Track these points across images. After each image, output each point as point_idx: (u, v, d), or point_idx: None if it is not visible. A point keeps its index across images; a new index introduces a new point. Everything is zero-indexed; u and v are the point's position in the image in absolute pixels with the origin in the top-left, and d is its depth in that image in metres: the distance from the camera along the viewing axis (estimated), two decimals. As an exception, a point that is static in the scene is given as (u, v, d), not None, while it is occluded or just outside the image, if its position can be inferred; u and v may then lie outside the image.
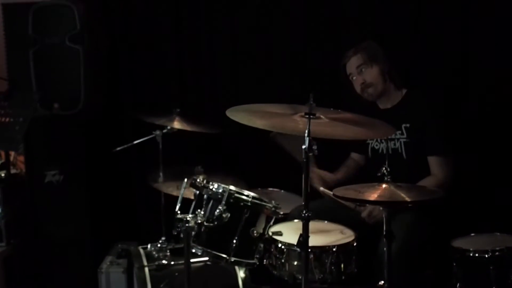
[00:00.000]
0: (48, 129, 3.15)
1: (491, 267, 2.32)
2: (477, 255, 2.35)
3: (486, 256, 2.33)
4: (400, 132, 2.74)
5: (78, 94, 3.08)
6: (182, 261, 2.27)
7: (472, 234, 2.53)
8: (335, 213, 2.59)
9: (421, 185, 2.56)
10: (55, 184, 3.15)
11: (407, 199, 2.17)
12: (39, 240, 3.18)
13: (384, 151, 2.78)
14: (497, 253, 2.32)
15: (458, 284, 2.40)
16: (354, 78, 2.81)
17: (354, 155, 3.05)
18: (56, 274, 3.17)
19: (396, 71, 2.81)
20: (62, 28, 3.03)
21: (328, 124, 2.14)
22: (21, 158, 3.32)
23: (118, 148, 2.99)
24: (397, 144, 2.75)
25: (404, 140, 2.74)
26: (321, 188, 2.69)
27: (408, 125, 2.73)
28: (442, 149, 2.69)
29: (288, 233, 2.38)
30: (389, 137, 2.72)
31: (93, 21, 3.17)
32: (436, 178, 2.67)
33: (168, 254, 2.69)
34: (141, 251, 2.74)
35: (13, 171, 3.28)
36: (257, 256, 2.35)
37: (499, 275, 2.31)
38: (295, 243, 2.11)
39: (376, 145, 2.84)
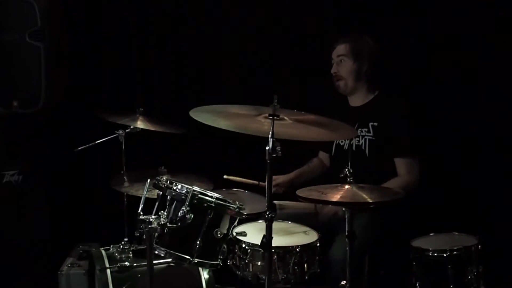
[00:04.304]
0: (7, 127, 3.05)
1: (449, 266, 2.38)
2: (435, 254, 2.42)
3: (445, 255, 2.40)
4: (366, 129, 2.79)
5: (39, 92, 2.99)
6: (145, 263, 2.24)
7: (431, 234, 2.59)
8: (308, 218, 2.65)
9: (384, 186, 2.61)
10: (14, 184, 3.07)
11: (369, 200, 2.21)
12: (-3, 242, 3.09)
13: (347, 148, 2.83)
14: (455, 253, 2.39)
15: (417, 283, 2.46)
16: (333, 64, 2.89)
17: (322, 154, 3.08)
18: (15, 277, 3.08)
19: (375, 73, 2.85)
20: (22, 24, 2.94)
21: (291, 126, 2.15)
22: (-22, 157, 3.23)
23: (80, 148, 2.93)
24: (361, 141, 2.80)
25: (370, 138, 2.79)
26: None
27: (376, 123, 2.78)
28: (409, 151, 2.76)
29: (252, 233, 2.40)
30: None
31: (55, 17, 3.09)
32: (402, 179, 2.73)
33: (131, 255, 2.65)
34: (103, 252, 2.69)
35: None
36: (221, 257, 2.35)
37: (456, 273, 2.38)
38: (259, 244, 2.12)
39: (341, 141, 2.88)
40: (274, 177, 2.85)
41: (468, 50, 3.07)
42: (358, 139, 2.80)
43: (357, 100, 2.90)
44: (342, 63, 2.84)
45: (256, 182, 2.86)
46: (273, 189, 2.82)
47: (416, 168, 2.76)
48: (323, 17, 3.26)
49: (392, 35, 3.16)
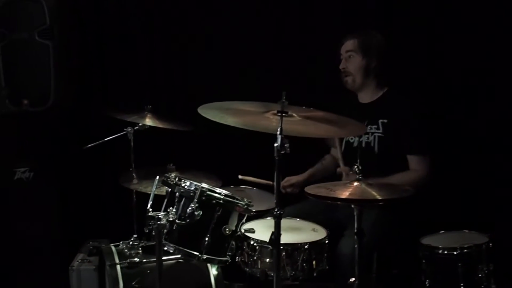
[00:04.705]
0: (18, 125, 3.09)
1: (459, 264, 2.36)
2: (445, 252, 2.40)
3: (455, 253, 2.38)
4: (376, 126, 2.77)
5: (48, 90, 3.03)
6: (154, 259, 2.25)
7: (441, 232, 2.57)
8: (317, 214, 2.64)
9: (393, 183, 2.58)
10: (25, 181, 3.11)
11: (378, 197, 2.20)
12: (8, 238, 3.12)
13: (357, 145, 2.81)
14: (465, 250, 2.37)
15: (427, 281, 2.45)
16: (342, 60, 2.87)
17: (334, 151, 3.07)
18: (27, 272, 3.12)
19: (384, 69, 2.83)
20: (31, 23, 2.97)
21: (300, 122, 2.15)
22: (-10, 155, 3.25)
23: (89, 145, 2.95)
24: (371, 138, 2.78)
25: (379, 135, 2.77)
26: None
27: (385, 121, 2.76)
28: (421, 148, 2.73)
29: (260, 230, 2.39)
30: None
31: (63, 16, 3.12)
32: (416, 173, 2.71)
33: (140, 251, 2.66)
34: (113, 248, 2.71)
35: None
36: (229, 253, 2.35)
37: (467, 272, 2.37)
38: (267, 241, 2.11)
39: (351, 138, 2.87)
40: (288, 178, 2.87)
41: (477, 48, 3.04)
42: (367, 135, 2.78)
43: (366, 96, 2.89)
44: (351, 59, 2.83)
45: (271, 183, 2.82)
46: (288, 190, 2.86)
47: (427, 164, 2.73)
48: (331, 12, 3.24)
49: (401, 31, 3.13)
